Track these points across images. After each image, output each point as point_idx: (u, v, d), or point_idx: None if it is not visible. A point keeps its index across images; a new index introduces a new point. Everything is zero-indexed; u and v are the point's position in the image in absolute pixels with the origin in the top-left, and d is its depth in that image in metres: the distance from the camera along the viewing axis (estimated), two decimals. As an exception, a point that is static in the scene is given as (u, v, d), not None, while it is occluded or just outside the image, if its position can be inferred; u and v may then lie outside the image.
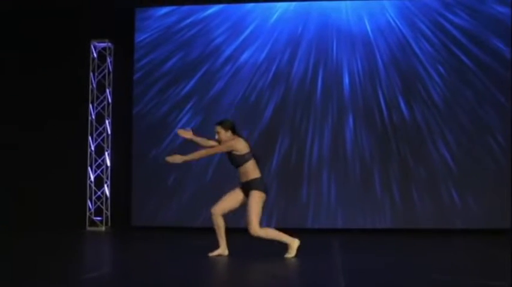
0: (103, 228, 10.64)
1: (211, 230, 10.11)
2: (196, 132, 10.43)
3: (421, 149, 10.28)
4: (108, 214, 10.84)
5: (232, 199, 6.82)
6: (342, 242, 8.55)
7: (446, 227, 10.06)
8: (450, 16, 10.44)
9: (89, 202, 10.73)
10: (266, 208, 10.34)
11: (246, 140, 6.82)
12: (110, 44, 10.98)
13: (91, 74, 10.88)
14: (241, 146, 6.67)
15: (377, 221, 10.23)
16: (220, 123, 6.86)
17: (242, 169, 6.71)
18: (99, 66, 10.98)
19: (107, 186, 10.79)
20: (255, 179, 6.70)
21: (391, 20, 10.58)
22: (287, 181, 10.45)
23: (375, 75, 10.51)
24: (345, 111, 10.50)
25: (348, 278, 5.09)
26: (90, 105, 10.85)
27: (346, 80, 10.56)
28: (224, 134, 6.76)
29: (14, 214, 10.53)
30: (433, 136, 10.27)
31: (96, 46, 11.00)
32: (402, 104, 10.38)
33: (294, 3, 10.80)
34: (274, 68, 10.69)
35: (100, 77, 10.98)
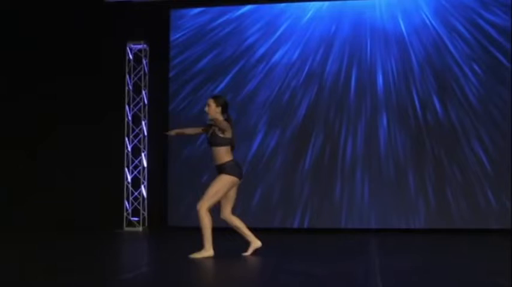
0: (140, 228, 10.72)
1: (248, 230, 10.18)
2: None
3: (456, 149, 10.17)
4: (145, 214, 10.90)
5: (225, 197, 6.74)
6: (376, 242, 8.50)
7: (482, 227, 9.94)
8: (486, 14, 10.31)
9: (126, 203, 10.82)
10: (299, 207, 10.43)
11: (232, 125, 6.70)
12: (145, 45, 11.05)
13: (127, 76, 10.96)
14: (229, 131, 6.60)
15: (411, 222, 10.15)
16: (214, 98, 6.78)
17: (216, 150, 6.61)
18: (135, 68, 11.06)
19: (144, 187, 10.85)
20: (227, 163, 6.59)
21: (426, 18, 10.47)
22: (320, 180, 10.43)
23: (409, 74, 10.43)
24: (379, 111, 10.44)
25: (385, 280, 5.05)
26: (127, 107, 10.93)
27: (380, 79, 10.49)
28: (214, 109, 6.65)
29: (52, 214, 10.64)
30: (468, 136, 10.16)
31: (132, 48, 11.07)
32: (436, 104, 10.28)
33: (327, 3, 10.76)
34: (307, 67, 10.67)
35: (136, 78, 11.06)
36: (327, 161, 10.45)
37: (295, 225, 10.41)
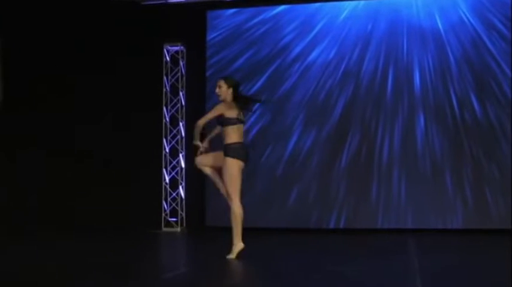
0: (178, 229, 10.79)
1: (282, 230, 10.22)
2: (265, 130, 10.63)
3: (494, 148, 10.03)
4: (183, 214, 10.96)
5: (217, 156, 6.64)
6: (414, 242, 8.44)
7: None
8: (525, 11, 10.15)
9: (164, 203, 10.90)
10: (335, 207, 10.39)
11: (242, 107, 6.64)
12: (182, 47, 11.11)
13: (164, 77, 11.04)
14: (232, 111, 6.53)
15: (448, 222, 10.05)
16: (225, 79, 6.77)
17: (224, 129, 6.57)
18: (172, 70, 11.13)
19: (182, 187, 10.91)
20: (231, 144, 6.52)
21: (463, 15, 10.34)
22: (356, 179, 10.38)
23: (446, 72, 10.31)
24: (416, 110, 10.34)
25: (425, 280, 5.01)
26: (164, 108, 11.01)
27: (417, 78, 10.40)
28: (226, 90, 6.62)
29: (91, 215, 10.76)
30: (507, 135, 10.00)
31: (169, 50, 11.15)
32: (474, 102, 10.15)
33: (362, 2, 10.70)
34: (343, 66, 10.62)
35: (173, 80, 11.12)
36: (363, 160, 10.39)
37: (331, 225, 10.38)
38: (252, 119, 10.68)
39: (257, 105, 10.58)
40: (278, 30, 10.88)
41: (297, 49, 10.78)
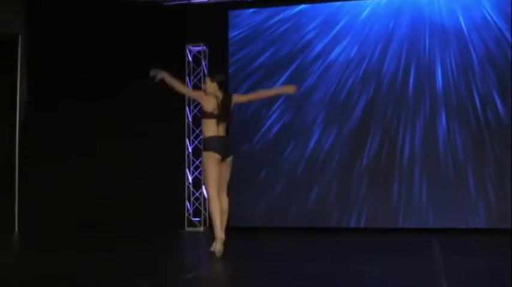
0: (201, 228, 10.81)
1: (303, 229, 10.21)
2: (286, 128, 10.61)
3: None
4: (206, 214, 10.94)
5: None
6: (436, 242, 8.37)
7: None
8: (550, 9, 10.04)
9: (187, 203, 10.92)
10: (356, 205, 10.35)
11: (225, 101, 6.81)
12: (204, 47, 11.12)
13: (187, 77, 11.05)
14: (208, 104, 6.74)
15: (470, 221, 9.97)
16: (210, 75, 7.04)
17: (202, 122, 6.81)
18: (194, 70, 11.14)
19: (205, 187, 10.89)
20: (206, 138, 6.76)
21: (486, 14, 10.24)
22: (377, 178, 10.33)
23: (468, 71, 10.22)
24: (438, 108, 10.27)
25: (450, 281, 4.97)
26: (187, 108, 11.02)
27: (439, 77, 10.32)
28: (210, 85, 6.85)
29: (114, 214, 10.83)
30: (531, 135, 9.92)
31: (191, 50, 11.17)
32: (497, 101, 10.05)
33: (384, 0, 10.63)
34: (365, 64, 10.57)
35: (196, 80, 11.14)
36: (384, 159, 10.35)
37: (352, 224, 10.35)
38: (273, 117, 10.69)
39: (278, 103, 10.73)
40: (299, 28, 10.86)
41: (318, 48, 10.76)
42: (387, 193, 10.26)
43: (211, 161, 6.65)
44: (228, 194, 6.89)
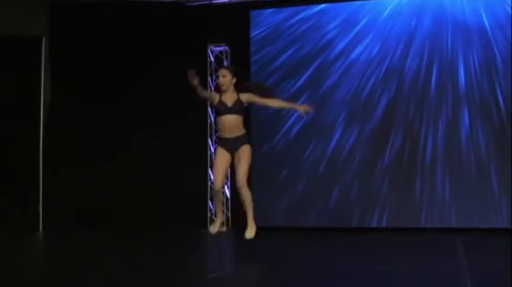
0: (224, 228, 10.82)
1: (324, 229, 10.18)
2: (307, 127, 10.59)
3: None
4: (229, 214, 10.98)
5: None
6: (459, 241, 8.31)
7: None
8: None
9: (209, 203, 10.93)
10: (378, 204, 10.31)
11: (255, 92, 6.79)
12: (226, 47, 11.14)
13: (209, 78, 11.09)
14: (227, 100, 6.74)
15: (494, 221, 9.88)
16: (229, 68, 6.95)
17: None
18: (216, 70, 11.14)
19: (227, 187, 10.87)
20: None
21: (510, 11, 10.14)
22: (399, 177, 10.28)
23: (492, 70, 10.12)
24: (460, 107, 10.18)
25: (474, 281, 4.92)
26: (209, 109, 11.04)
27: (462, 75, 10.24)
28: (230, 79, 6.79)
29: (137, 214, 10.90)
30: (555, 134, 9.80)
31: (213, 50, 11.19)
32: (522, 100, 9.96)
33: (407, -2, 10.60)
34: (386, 63, 10.52)
35: (218, 80, 11.10)
36: (406, 158, 10.28)
37: (374, 224, 10.30)
38: (294, 116, 10.66)
39: (300, 102, 10.70)
40: (320, 27, 10.83)
41: (340, 46, 10.72)
42: (409, 192, 10.20)
43: (219, 154, 6.74)
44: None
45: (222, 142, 6.75)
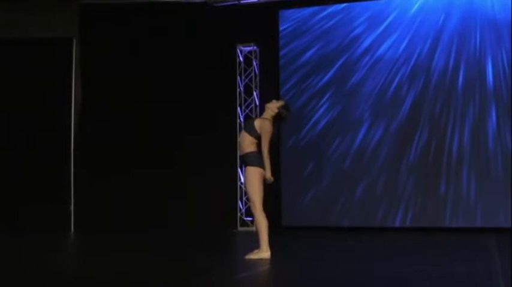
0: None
1: (351, 229, 10.13)
2: (333, 123, 10.54)
3: None
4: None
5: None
6: (487, 241, 8.22)
7: None
8: None
9: (239, 203, 10.94)
10: (401, 204, 10.23)
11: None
12: (255, 47, 11.12)
13: (238, 77, 11.07)
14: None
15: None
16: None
17: (253, 139, 6.34)
18: (245, 70, 11.13)
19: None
20: (248, 153, 6.38)
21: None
22: (424, 175, 10.22)
23: (520, 67, 10.00)
24: (488, 105, 10.08)
25: (508, 283, 4.84)
26: (239, 108, 11.03)
27: (490, 73, 10.12)
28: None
29: (169, 215, 10.98)
30: None
31: (242, 50, 11.18)
32: (549, 98, 9.82)
33: (435, -7, 10.47)
34: (413, 59, 10.44)
35: (247, 80, 11.13)
36: (432, 156, 10.21)
37: (397, 223, 10.21)
38: (321, 111, 10.63)
39: (326, 96, 10.67)
40: (348, 22, 10.79)
41: (367, 42, 10.67)
42: (434, 191, 10.14)
43: (258, 177, 6.34)
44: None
45: None
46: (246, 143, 6.35)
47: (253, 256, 6.31)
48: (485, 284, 4.93)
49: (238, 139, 6.60)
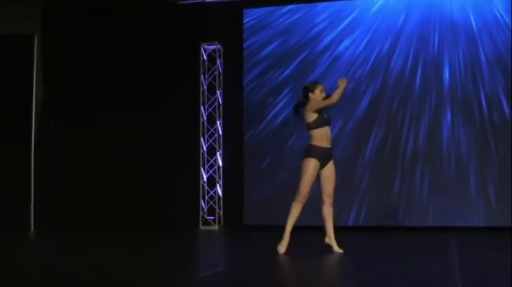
0: (216, 227, 10.79)
1: (312, 229, 10.15)
2: (290, 120, 10.55)
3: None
4: (221, 213, 10.96)
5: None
6: (439, 240, 8.37)
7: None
8: (562, 12, 10.00)
9: (202, 202, 10.90)
10: (355, 201, 10.31)
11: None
12: (219, 46, 11.06)
13: (202, 76, 11.00)
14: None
15: (470, 220, 9.98)
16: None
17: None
18: (209, 69, 11.06)
19: (219, 186, 10.88)
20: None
21: (498, 14, 10.20)
22: (379, 174, 10.33)
23: (476, 70, 10.19)
24: (443, 106, 10.26)
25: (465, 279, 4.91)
26: (202, 107, 10.96)
27: (447, 74, 10.30)
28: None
29: (129, 214, 10.85)
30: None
31: (206, 49, 11.10)
32: (504, 103, 10.04)
33: (396, -6, 10.58)
34: (372, 58, 10.53)
35: (210, 79, 11.07)
36: (387, 154, 10.34)
37: (350, 222, 10.29)
38: (277, 108, 10.66)
39: (285, 92, 10.70)
40: (309, 19, 10.83)
41: (327, 39, 10.72)
42: (388, 189, 10.26)
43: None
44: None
45: (318, 152, 6.75)
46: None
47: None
48: (444, 282, 4.97)
49: (327, 134, 6.99)
